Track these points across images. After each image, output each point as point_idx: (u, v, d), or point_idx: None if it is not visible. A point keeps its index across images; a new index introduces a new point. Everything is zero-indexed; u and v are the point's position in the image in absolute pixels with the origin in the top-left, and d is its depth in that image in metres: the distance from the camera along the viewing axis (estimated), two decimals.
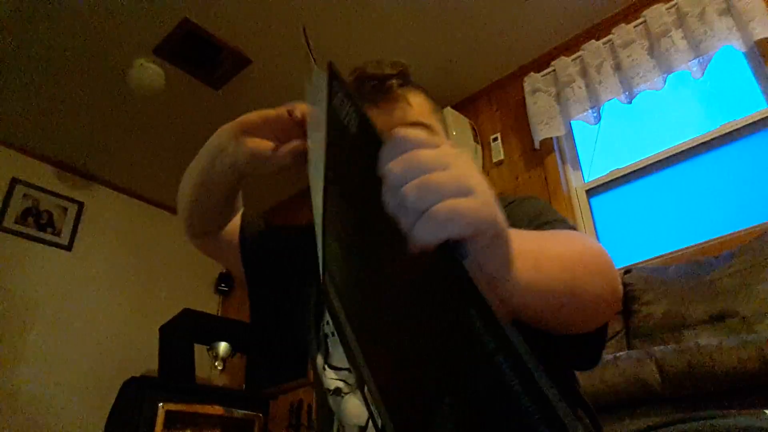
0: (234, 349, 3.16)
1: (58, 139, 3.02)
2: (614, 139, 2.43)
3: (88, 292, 3.09)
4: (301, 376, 2.87)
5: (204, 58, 2.53)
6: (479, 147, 2.68)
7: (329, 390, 0.66)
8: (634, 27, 2.23)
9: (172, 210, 3.67)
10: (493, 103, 2.76)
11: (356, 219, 0.38)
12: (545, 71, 2.48)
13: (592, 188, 2.37)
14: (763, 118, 1.97)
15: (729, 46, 1.96)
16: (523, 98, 2.52)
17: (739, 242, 1.72)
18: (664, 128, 2.25)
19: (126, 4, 2.25)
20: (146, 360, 2.99)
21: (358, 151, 0.34)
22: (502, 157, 2.59)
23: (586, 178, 2.42)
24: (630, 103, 2.19)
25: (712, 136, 2.07)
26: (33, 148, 3.08)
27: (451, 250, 0.28)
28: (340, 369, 0.66)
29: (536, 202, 0.68)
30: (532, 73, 2.52)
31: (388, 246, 0.33)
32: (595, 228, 2.31)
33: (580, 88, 2.34)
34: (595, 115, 2.31)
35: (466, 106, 2.82)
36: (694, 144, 2.10)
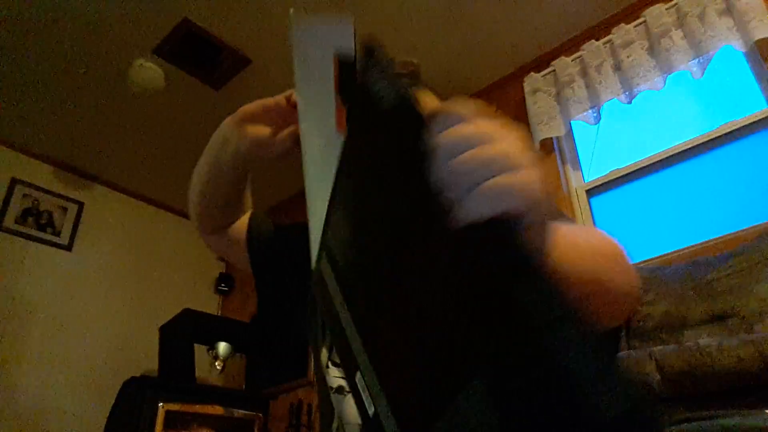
0: (234, 349, 3.16)
1: (58, 139, 3.02)
2: (614, 139, 2.43)
3: (88, 292, 3.09)
4: (301, 376, 2.87)
5: (204, 58, 2.53)
6: None
7: (332, 388, 0.66)
8: (634, 27, 2.23)
9: (172, 210, 3.67)
10: (493, 103, 2.76)
11: (379, 197, 0.37)
12: (545, 71, 2.48)
13: (592, 188, 2.37)
14: (763, 118, 1.97)
15: (729, 46, 1.96)
16: (523, 98, 2.52)
17: (739, 242, 1.72)
18: (664, 128, 2.25)
19: (126, 4, 2.25)
20: (146, 360, 2.98)
21: (391, 128, 0.34)
22: None
23: (586, 178, 2.42)
24: (630, 103, 2.19)
25: (712, 136, 2.07)
26: (33, 148, 3.08)
27: (502, 225, 0.27)
28: None
29: None
30: (532, 73, 2.52)
31: (416, 223, 0.32)
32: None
33: (580, 88, 2.34)
34: (595, 115, 2.31)
35: None
36: (694, 144, 2.10)
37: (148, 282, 3.39)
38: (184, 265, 3.60)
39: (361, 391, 0.40)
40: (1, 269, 2.81)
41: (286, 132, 0.63)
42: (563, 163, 2.45)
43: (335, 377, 0.66)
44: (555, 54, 2.52)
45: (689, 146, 2.11)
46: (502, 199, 0.28)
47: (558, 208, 0.67)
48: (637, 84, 2.15)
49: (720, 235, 1.89)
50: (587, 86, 2.33)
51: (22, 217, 2.97)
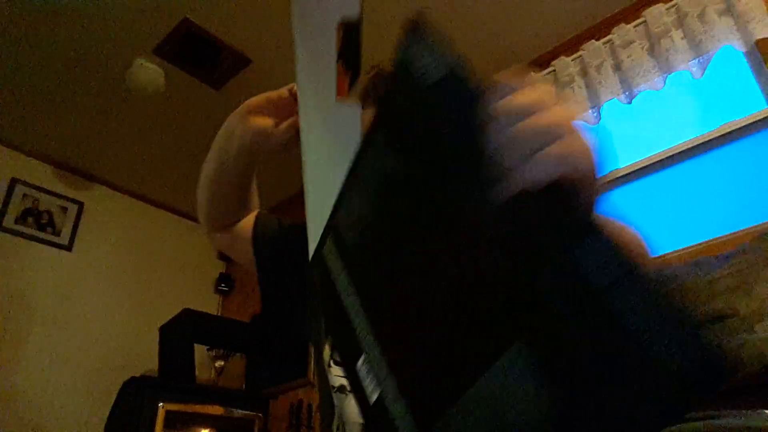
0: (234, 349, 3.17)
1: (58, 139, 3.02)
2: (614, 139, 2.43)
3: (88, 292, 3.09)
4: (301, 376, 2.87)
5: (204, 58, 2.53)
6: None
7: (334, 387, 0.66)
8: (634, 27, 2.23)
9: (172, 210, 3.67)
10: None
11: (415, 172, 0.37)
12: (545, 71, 2.48)
13: None
14: (763, 118, 1.97)
15: (729, 46, 1.96)
16: None
17: (738, 242, 1.72)
18: (664, 128, 2.25)
19: (126, 4, 2.25)
20: (146, 360, 2.99)
21: (438, 102, 0.34)
22: None
23: None
24: (630, 103, 2.19)
25: (712, 136, 2.07)
26: (33, 148, 3.08)
27: (561, 189, 0.28)
28: None
29: None
30: (532, 73, 2.52)
31: (460, 193, 0.33)
32: None
33: (580, 88, 2.34)
34: (595, 115, 2.31)
35: None
36: (694, 144, 2.10)
37: (148, 282, 3.39)
38: (184, 265, 3.60)
39: (362, 378, 0.39)
40: (1, 269, 2.81)
41: (286, 123, 0.64)
42: None
43: (337, 376, 0.66)
44: (555, 54, 2.52)
45: (689, 146, 2.11)
46: (560, 164, 0.29)
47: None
48: (637, 84, 2.15)
49: (720, 235, 1.89)
50: (587, 86, 2.33)
51: (22, 217, 2.97)
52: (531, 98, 0.31)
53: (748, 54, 2.02)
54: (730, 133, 2.04)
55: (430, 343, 0.34)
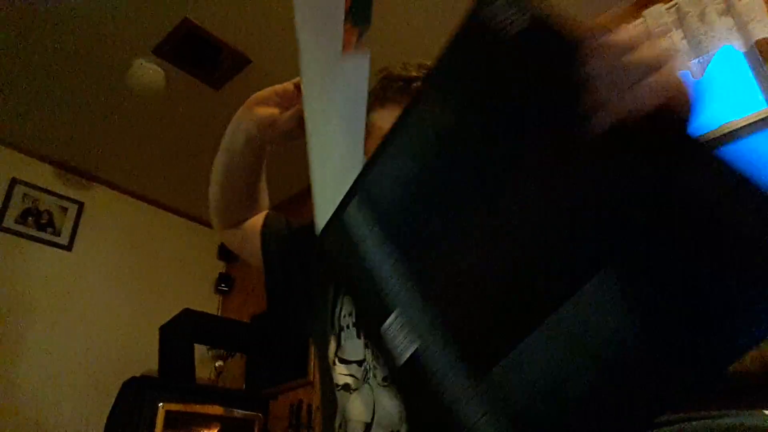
0: (234, 349, 3.17)
1: (58, 139, 3.02)
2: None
3: (88, 292, 3.09)
4: (301, 376, 2.87)
5: (204, 58, 2.53)
6: None
7: (338, 385, 0.67)
8: (634, 27, 2.23)
9: (172, 210, 3.67)
10: None
11: (487, 121, 0.38)
12: None
13: None
14: (763, 118, 1.97)
15: (729, 46, 1.96)
16: None
17: None
18: None
19: (126, 4, 2.25)
20: (146, 360, 2.99)
21: (524, 51, 0.36)
22: None
23: None
24: None
25: (712, 136, 2.07)
26: (33, 148, 3.08)
27: (665, 115, 0.30)
28: (351, 362, 0.67)
29: None
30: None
31: (545, 130, 0.34)
32: None
33: None
34: None
35: None
36: None
37: (148, 282, 3.39)
38: (184, 265, 3.60)
39: (391, 338, 0.39)
40: (1, 269, 2.81)
41: (289, 112, 0.66)
42: None
43: (342, 374, 0.66)
44: None
45: None
46: (662, 93, 0.31)
47: None
48: None
49: None
50: None
51: (22, 217, 2.97)
52: (629, 34, 0.33)
53: (748, 54, 2.02)
54: (730, 133, 2.04)
55: (495, 287, 0.35)
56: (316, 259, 0.78)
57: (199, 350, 2.97)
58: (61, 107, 2.78)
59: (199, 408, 2.45)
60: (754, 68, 2.04)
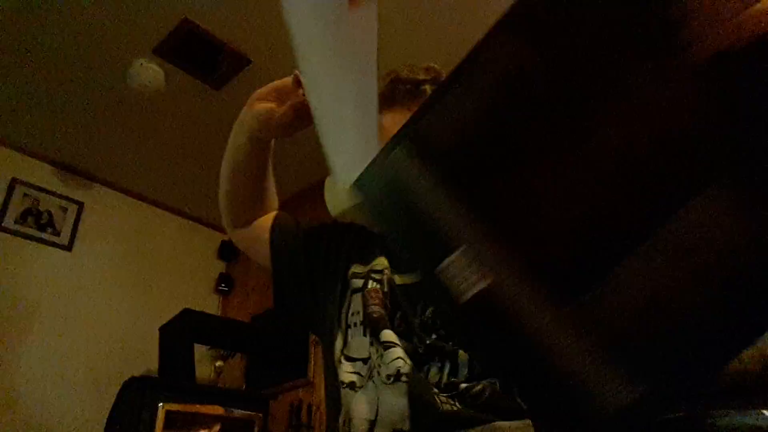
0: (234, 349, 3.17)
1: (58, 139, 3.02)
2: None
3: (88, 292, 3.09)
4: (301, 376, 2.87)
5: (204, 58, 2.53)
6: None
7: (343, 383, 0.67)
8: None
9: (172, 210, 3.68)
10: None
11: (575, 57, 0.37)
12: None
13: None
14: None
15: None
16: None
17: None
18: None
19: (126, 4, 2.25)
20: (146, 360, 2.99)
21: None
22: None
23: None
24: None
25: None
26: (33, 148, 3.08)
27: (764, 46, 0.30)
28: (356, 360, 0.67)
29: None
30: None
31: (640, 59, 0.34)
32: None
33: None
34: None
35: None
36: None
37: (148, 282, 3.39)
38: (184, 265, 3.60)
39: (450, 278, 0.38)
40: (1, 269, 2.81)
41: (286, 104, 0.67)
42: None
43: (347, 372, 0.67)
44: None
45: None
46: (762, 24, 0.31)
47: None
48: None
49: None
50: None
51: (22, 217, 2.98)
52: None
53: None
54: None
55: (593, 211, 0.34)
56: (341, 229, 0.80)
57: (199, 350, 2.97)
58: (61, 107, 2.78)
59: (199, 408, 2.45)
60: None
